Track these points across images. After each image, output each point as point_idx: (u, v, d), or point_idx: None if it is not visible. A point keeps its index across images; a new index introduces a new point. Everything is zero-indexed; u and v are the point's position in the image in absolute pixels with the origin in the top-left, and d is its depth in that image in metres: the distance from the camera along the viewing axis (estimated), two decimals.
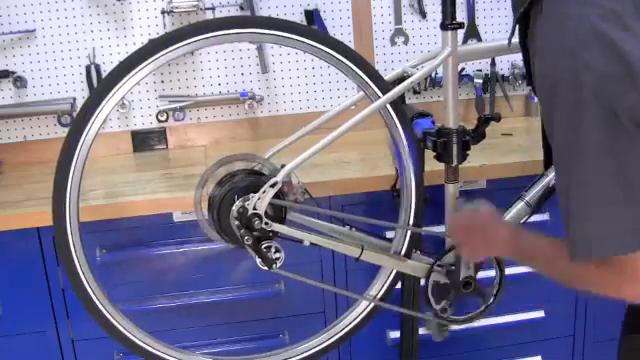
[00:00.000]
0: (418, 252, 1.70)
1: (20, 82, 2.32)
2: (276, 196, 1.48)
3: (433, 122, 1.76)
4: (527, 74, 1.31)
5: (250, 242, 1.46)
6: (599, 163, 1.12)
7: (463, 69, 2.48)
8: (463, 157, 1.64)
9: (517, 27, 1.32)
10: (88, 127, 1.42)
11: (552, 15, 1.16)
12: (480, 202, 1.56)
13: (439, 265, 1.69)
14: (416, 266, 1.67)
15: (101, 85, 1.46)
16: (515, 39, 1.34)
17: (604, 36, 1.08)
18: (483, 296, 1.73)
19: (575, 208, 1.17)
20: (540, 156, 1.51)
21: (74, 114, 2.33)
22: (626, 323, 1.48)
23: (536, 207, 1.65)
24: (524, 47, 1.30)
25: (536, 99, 2.51)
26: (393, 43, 2.52)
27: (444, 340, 1.85)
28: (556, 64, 1.12)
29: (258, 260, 1.49)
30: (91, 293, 1.51)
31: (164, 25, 2.36)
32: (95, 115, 1.41)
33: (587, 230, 1.16)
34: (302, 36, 1.47)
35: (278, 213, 1.51)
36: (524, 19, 1.26)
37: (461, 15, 2.47)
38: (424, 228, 1.71)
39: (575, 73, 1.09)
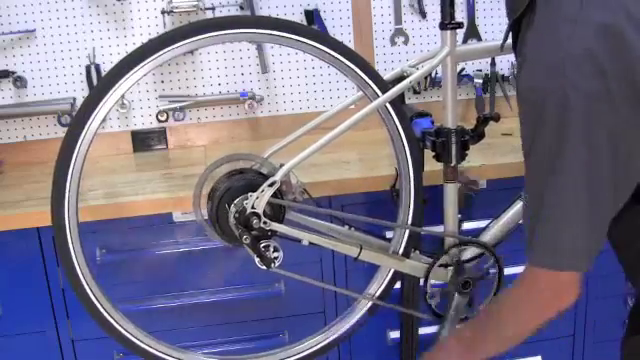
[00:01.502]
0: (417, 252, 1.69)
1: (20, 82, 2.32)
2: (275, 195, 1.49)
3: (432, 122, 1.75)
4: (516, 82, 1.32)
5: (249, 241, 1.46)
6: (575, 182, 1.15)
7: (463, 69, 2.48)
8: (462, 157, 1.64)
9: (511, 32, 1.32)
10: (87, 126, 1.41)
11: (545, 29, 1.16)
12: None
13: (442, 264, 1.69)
14: (415, 265, 1.67)
15: (100, 84, 1.46)
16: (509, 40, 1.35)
17: (596, 59, 1.09)
18: (470, 305, 1.72)
19: (544, 216, 1.20)
20: None
21: (74, 114, 2.33)
22: (630, 324, 1.48)
23: None
24: (515, 52, 1.30)
25: None
26: (393, 43, 2.52)
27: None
28: (546, 80, 1.14)
29: (257, 259, 1.49)
30: (90, 293, 1.51)
31: (164, 25, 2.36)
32: (94, 114, 1.41)
33: (549, 240, 1.21)
34: (301, 36, 1.47)
35: (277, 212, 1.51)
36: (517, 25, 1.27)
37: (461, 15, 2.47)
38: (423, 228, 1.71)
39: (564, 92, 1.11)
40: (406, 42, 2.52)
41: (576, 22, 1.11)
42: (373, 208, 1.95)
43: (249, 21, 1.57)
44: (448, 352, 1.53)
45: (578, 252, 1.21)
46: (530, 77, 1.18)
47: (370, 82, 1.53)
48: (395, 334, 2.09)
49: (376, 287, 1.68)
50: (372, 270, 1.71)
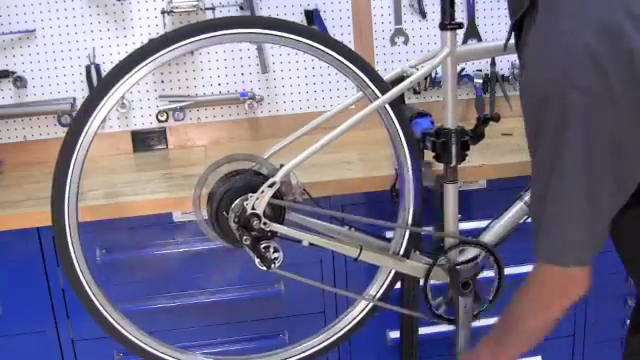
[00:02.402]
0: (417, 252, 1.69)
1: (20, 82, 2.32)
2: (275, 196, 1.48)
3: (432, 122, 1.76)
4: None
5: (249, 242, 1.46)
6: (576, 180, 1.17)
7: (463, 69, 2.48)
8: (462, 157, 1.64)
9: (513, 32, 1.32)
10: (87, 127, 1.41)
11: (545, 28, 1.16)
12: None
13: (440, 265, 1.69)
14: (415, 266, 1.67)
15: (100, 84, 1.46)
16: (512, 42, 1.35)
17: (596, 56, 1.09)
18: (479, 300, 1.73)
19: (547, 213, 1.23)
20: None
21: (74, 114, 2.33)
22: (632, 323, 1.48)
23: None
24: (519, 52, 1.31)
25: None
26: (393, 43, 2.52)
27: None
28: (546, 79, 1.14)
29: (257, 260, 1.49)
30: (90, 293, 1.51)
31: (164, 25, 2.36)
32: (94, 115, 1.41)
33: (553, 236, 1.24)
34: (301, 36, 1.47)
35: (277, 213, 1.50)
36: (519, 26, 1.27)
37: (461, 15, 2.47)
38: (423, 228, 1.71)
39: (564, 91, 1.11)
40: (406, 42, 2.52)
41: (576, 19, 1.11)
42: (373, 208, 1.95)
43: (248, 21, 1.57)
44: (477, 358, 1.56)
45: (580, 247, 1.23)
46: (531, 75, 1.18)
47: (370, 83, 1.53)
48: (395, 334, 2.09)
49: (377, 288, 1.68)
50: (372, 271, 1.71)
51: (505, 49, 1.41)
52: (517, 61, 2.50)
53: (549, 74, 1.13)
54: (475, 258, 1.69)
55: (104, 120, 1.44)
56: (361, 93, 1.59)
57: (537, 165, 1.24)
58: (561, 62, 1.11)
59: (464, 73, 2.49)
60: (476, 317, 1.74)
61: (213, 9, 2.33)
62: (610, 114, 1.11)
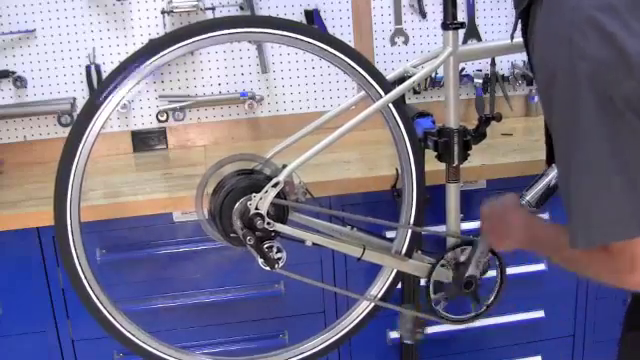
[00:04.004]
0: (419, 252, 1.69)
1: (20, 82, 2.32)
2: (278, 196, 1.48)
3: (434, 122, 1.76)
4: (532, 71, 1.31)
5: (252, 242, 1.46)
6: (596, 150, 1.12)
7: (463, 69, 2.48)
8: (464, 157, 1.64)
9: (520, 24, 1.32)
10: (89, 128, 1.41)
11: (550, 6, 1.16)
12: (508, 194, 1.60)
13: (444, 263, 1.69)
14: (417, 265, 1.67)
15: (103, 85, 1.45)
16: (519, 38, 1.34)
17: (600, 26, 1.08)
18: (477, 301, 1.73)
19: (574, 196, 1.16)
20: (540, 156, 1.51)
21: (74, 114, 2.34)
22: (628, 320, 1.48)
23: (537, 207, 1.65)
24: (526, 43, 1.30)
25: (536, 99, 2.53)
26: (393, 43, 2.52)
27: (421, 343, 1.87)
28: (553, 53, 1.13)
29: (260, 260, 1.48)
30: (91, 293, 1.51)
31: (164, 25, 2.36)
32: (97, 116, 1.41)
33: (586, 218, 1.16)
34: (305, 36, 1.47)
35: (280, 213, 1.50)
36: (525, 15, 1.27)
37: (461, 15, 2.47)
38: (425, 227, 1.71)
39: (571, 62, 1.10)
40: (406, 42, 2.53)
41: None
42: (374, 208, 1.95)
43: (252, 21, 1.56)
44: (516, 225, 1.49)
45: (619, 219, 1.13)
46: (540, 54, 1.18)
47: (373, 82, 1.53)
48: (395, 334, 2.09)
49: (378, 288, 1.68)
50: (372, 270, 1.71)
51: (512, 40, 1.40)
52: (517, 61, 2.51)
53: (556, 49, 1.12)
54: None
55: (106, 121, 1.44)
56: (362, 93, 1.59)
57: (558, 144, 1.18)
58: (566, 35, 1.10)
59: (464, 73, 2.50)
60: (476, 318, 1.74)
61: (213, 9, 2.33)
62: (625, 80, 1.08)
